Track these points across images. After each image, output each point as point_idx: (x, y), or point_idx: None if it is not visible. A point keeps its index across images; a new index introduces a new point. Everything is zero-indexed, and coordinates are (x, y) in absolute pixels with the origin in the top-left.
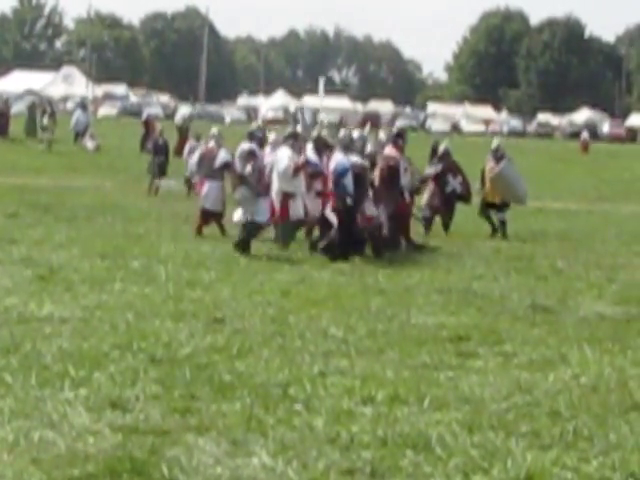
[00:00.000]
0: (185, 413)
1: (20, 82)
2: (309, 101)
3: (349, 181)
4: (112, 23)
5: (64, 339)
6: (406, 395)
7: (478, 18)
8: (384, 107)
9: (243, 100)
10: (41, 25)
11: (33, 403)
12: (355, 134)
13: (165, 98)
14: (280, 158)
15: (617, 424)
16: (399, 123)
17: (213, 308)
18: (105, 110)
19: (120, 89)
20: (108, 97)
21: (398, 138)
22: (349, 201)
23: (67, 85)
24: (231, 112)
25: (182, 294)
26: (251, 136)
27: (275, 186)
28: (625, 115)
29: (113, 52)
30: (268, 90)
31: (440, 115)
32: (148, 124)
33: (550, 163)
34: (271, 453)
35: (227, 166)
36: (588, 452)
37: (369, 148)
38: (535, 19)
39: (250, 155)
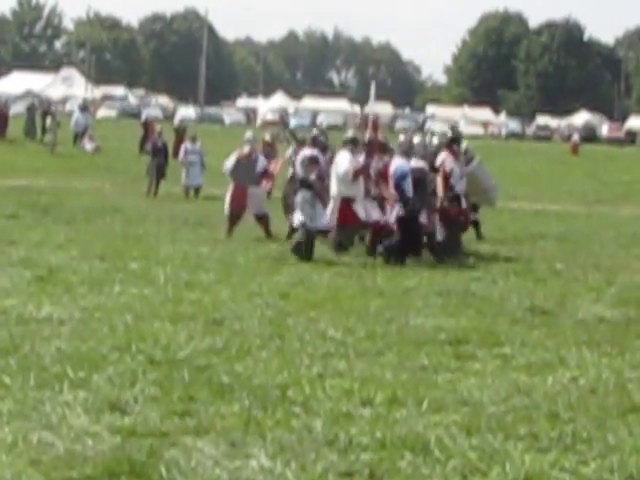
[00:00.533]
0: (184, 415)
1: (19, 83)
2: (308, 103)
3: (409, 185)
4: (111, 25)
5: (63, 340)
6: (404, 397)
7: (477, 20)
8: (383, 109)
9: (242, 102)
10: (40, 26)
11: (32, 404)
12: (416, 139)
13: (164, 100)
14: (340, 162)
15: (615, 426)
16: (399, 124)
17: (212, 310)
18: (104, 112)
19: (119, 90)
20: (107, 98)
21: (453, 143)
22: (409, 205)
23: (66, 86)
24: (230, 114)
25: (181, 296)
26: (314, 142)
27: (334, 190)
28: (624, 118)
29: (112, 53)
30: (267, 92)
31: (439, 117)
32: (147, 126)
33: (549, 165)
34: (269, 455)
35: (265, 173)
36: (586, 454)
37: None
38: (534, 22)
39: (313, 161)
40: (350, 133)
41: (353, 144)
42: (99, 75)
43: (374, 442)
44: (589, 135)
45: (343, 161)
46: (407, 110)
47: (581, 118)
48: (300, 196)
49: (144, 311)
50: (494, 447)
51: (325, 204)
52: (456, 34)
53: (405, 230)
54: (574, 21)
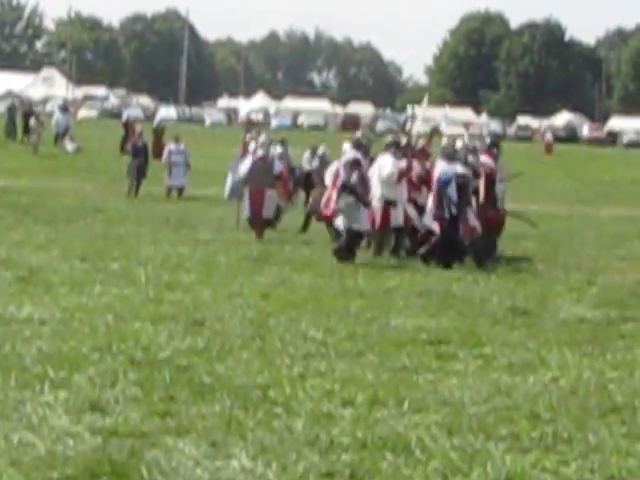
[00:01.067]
0: (164, 415)
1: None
2: (289, 103)
3: (452, 190)
4: (92, 25)
5: (44, 341)
6: (385, 398)
7: (458, 21)
8: (364, 109)
9: (223, 102)
10: (21, 27)
11: (12, 405)
12: (458, 143)
13: (145, 100)
14: (383, 165)
15: (596, 427)
16: (380, 124)
17: (193, 310)
18: (85, 112)
19: (100, 91)
20: (88, 99)
21: (493, 147)
22: (452, 210)
23: (47, 87)
24: (211, 114)
25: (162, 296)
26: (357, 145)
27: (377, 193)
28: (605, 118)
29: (93, 54)
30: (248, 92)
31: (420, 118)
32: (128, 126)
33: (530, 166)
34: (250, 455)
35: (280, 176)
36: (567, 455)
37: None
38: (515, 22)
39: (355, 164)
40: (391, 137)
41: (395, 147)
42: (80, 75)
43: (355, 442)
44: (570, 135)
45: (386, 164)
46: (388, 110)
47: (562, 118)
48: (343, 200)
49: (125, 311)
50: (475, 447)
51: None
52: (437, 35)
53: (447, 235)
54: (555, 21)
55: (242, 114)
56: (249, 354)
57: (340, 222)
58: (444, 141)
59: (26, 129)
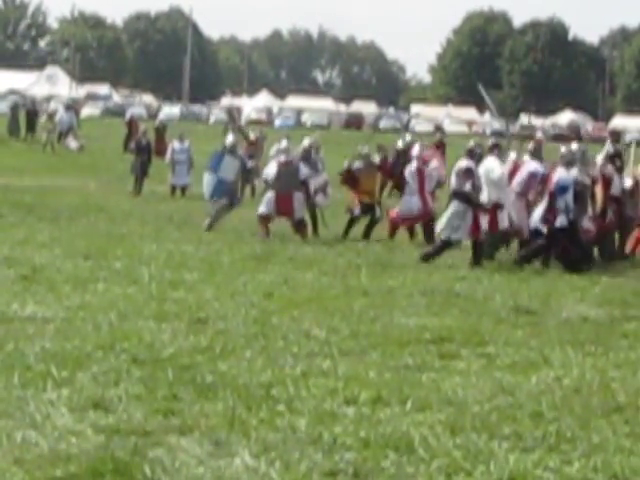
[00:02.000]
0: (168, 414)
1: (3, 82)
2: (292, 102)
3: (570, 198)
4: (95, 23)
5: (47, 339)
6: (389, 396)
7: (462, 20)
8: (367, 108)
9: (227, 100)
10: (24, 25)
11: (15, 403)
12: (574, 148)
13: (149, 98)
14: (490, 168)
15: (599, 426)
16: (383, 123)
17: (196, 309)
18: (88, 110)
19: (103, 89)
20: (91, 97)
21: (616, 158)
22: (570, 217)
23: (50, 85)
24: (215, 112)
25: (165, 295)
26: (470, 153)
27: (484, 197)
28: (608, 117)
29: (96, 52)
30: (251, 90)
31: (424, 116)
32: (131, 124)
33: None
34: (253, 454)
35: (305, 182)
36: (571, 454)
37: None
38: (518, 21)
39: (468, 172)
40: (493, 140)
41: (498, 149)
42: (83, 74)
43: (358, 441)
44: (573, 134)
45: (494, 167)
46: (391, 109)
47: (565, 117)
48: (452, 207)
49: (128, 310)
50: (478, 446)
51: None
52: (441, 33)
53: (569, 242)
54: (558, 20)
55: (246, 112)
56: (252, 353)
57: (440, 226)
58: (562, 148)
59: (29, 127)
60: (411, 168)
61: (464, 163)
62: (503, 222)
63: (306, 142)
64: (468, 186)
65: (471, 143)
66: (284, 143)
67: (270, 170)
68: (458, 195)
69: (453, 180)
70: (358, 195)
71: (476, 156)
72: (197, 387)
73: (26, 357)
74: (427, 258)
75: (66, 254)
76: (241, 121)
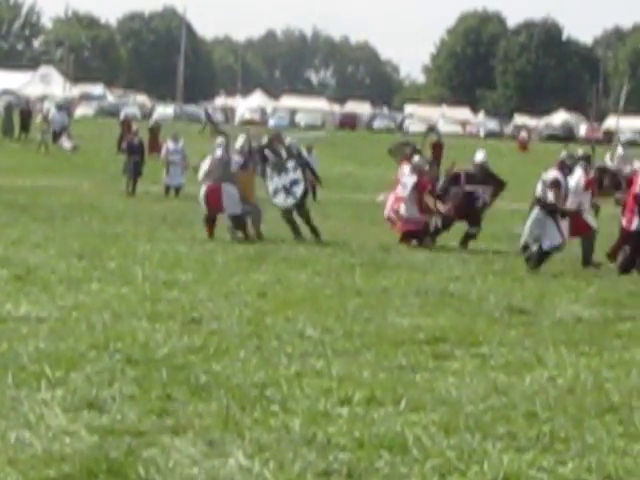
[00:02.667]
0: (162, 414)
1: None
2: (286, 102)
3: None
4: (89, 23)
5: (41, 339)
6: (383, 396)
7: (456, 20)
8: (361, 108)
9: (220, 101)
10: (18, 25)
11: (9, 404)
12: None
13: (142, 98)
14: (574, 177)
15: (593, 426)
16: (377, 123)
17: (190, 309)
18: (82, 110)
19: (97, 89)
20: (85, 97)
21: None
22: None
23: (44, 85)
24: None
25: (159, 295)
26: (562, 166)
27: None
28: (602, 118)
29: (90, 52)
30: (245, 91)
31: (417, 117)
32: (125, 124)
33: (526, 165)
34: (247, 454)
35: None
36: (564, 454)
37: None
38: (512, 21)
39: (555, 184)
40: (581, 151)
41: (586, 161)
42: (77, 73)
43: (352, 441)
44: (567, 135)
45: (574, 177)
46: (385, 109)
47: (559, 118)
48: (534, 214)
49: (122, 310)
50: (472, 446)
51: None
52: (434, 33)
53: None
54: (552, 21)
55: (239, 112)
56: (246, 353)
57: (524, 236)
58: None
59: (23, 127)
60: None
61: (553, 174)
62: (590, 223)
63: (240, 141)
64: (551, 196)
65: (563, 154)
66: (219, 139)
67: (204, 166)
68: (541, 204)
69: (539, 187)
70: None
71: (566, 169)
72: (191, 387)
73: (20, 357)
74: (534, 268)
75: (60, 254)
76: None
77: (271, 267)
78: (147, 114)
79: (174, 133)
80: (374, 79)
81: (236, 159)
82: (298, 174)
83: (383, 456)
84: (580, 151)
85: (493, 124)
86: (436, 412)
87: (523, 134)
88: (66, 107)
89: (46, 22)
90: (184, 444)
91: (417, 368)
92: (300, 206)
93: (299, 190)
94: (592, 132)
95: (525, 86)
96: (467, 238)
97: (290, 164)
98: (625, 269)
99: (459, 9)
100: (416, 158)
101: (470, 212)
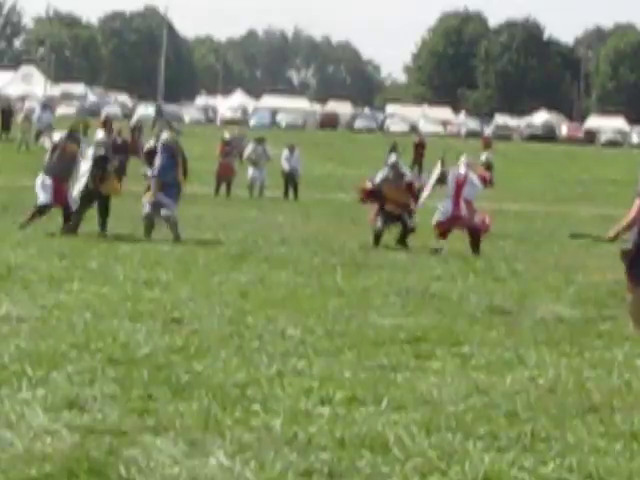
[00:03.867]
0: (143, 413)
1: None
2: (267, 101)
3: None
4: (71, 22)
5: (22, 339)
6: (364, 396)
7: (437, 20)
8: (343, 108)
9: (202, 100)
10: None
11: None
12: None
13: (124, 97)
14: None
15: (575, 426)
16: (358, 123)
17: (171, 308)
18: (63, 109)
19: (78, 88)
20: (66, 96)
21: None
22: None
23: (26, 84)
24: (190, 112)
25: (140, 294)
26: None
27: None
28: (583, 117)
29: (72, 51)
30: (227, 90)
31: (399, 116)
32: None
33: (508, 165)
34: (229, 453)
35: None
36: (545, 454)
37: None
38: (494, 21)
39: None
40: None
41: None
42: (58, 73)
43: (333, 441)
44: (548, 134)
45: None
46: (367, 109)
47: (540, 117)
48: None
49: (103, 309)
50: (453, 446)
51: None
52: (416, 33)
53: None
54: (534, 20)
55: (221, 112)
56: (227, 352)
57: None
58: None
59: (4, 126)
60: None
61: None
62: None
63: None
64: None
65: None
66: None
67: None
68: None
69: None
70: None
71: None
72: (172, 387)
73: (1, 356)
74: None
75: (41, 253)
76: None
77: (252, 267)
78: (128, 114)
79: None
80: (355, 79)
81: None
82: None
83: (364, 456)
84: None
85: (474, 124)
86: (417, 412)
87: (488, 132)
88: (50, 106)
89: (27, 21)
90: (165, 444)
91: (398, 368)
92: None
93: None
94: (574, 132)
95: (506, 86)
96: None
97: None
98: None
99: (440, 9)
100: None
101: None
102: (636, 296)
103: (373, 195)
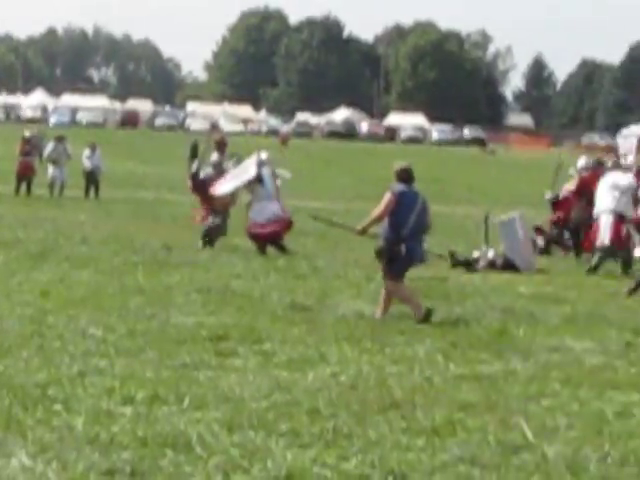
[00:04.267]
0: None
1: None
2: (68, 100)
3: None
4: None
5: None
6: (166, 395)
7: (237, 17)
8: (143, 106)
9: (1, 99)
10: None
11: None
12: None
13: None
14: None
15: (376, 422)
16: (158, 121)
17: None
18: None
19: None
20: None
21: None
22: None
23: None
24: None
25: None
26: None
27: None
28: (384, 114)
29: None
30: (26, 89)
31: (199, 114)
32: None
33: (309, 162)
34: (30, 454)
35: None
36: (348, 450)
37: None
38: (294, 19)
39: None
40: None
41: None
42: None
43: (135, 440)
44: (349, 131)
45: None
46: (167, 107)
47: (341, 115)
48: None
49: None
50: (256, 444)
51: None
52: (216, 31)
53: None
54: (334, 18)
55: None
56: (28, 352)
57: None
58: None
59: None
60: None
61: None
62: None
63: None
64: None
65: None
66: None
67: None
68: None
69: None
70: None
71: None
72: None
73: None
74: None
75: None
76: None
77: (53, 266)
78: None
79: None
80: (156, 77)
81: None
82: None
83: (167, 454)
84: None
85: (275, 122)
86: (219, 410)
87: (284, 129)
88: None
89: None
90: None
91: (200, 366)
92: None
93: None
94: (374, 129)
95: (307, 83)
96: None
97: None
98: None
99: (240, 6)
100: None
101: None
102: (398, 287)
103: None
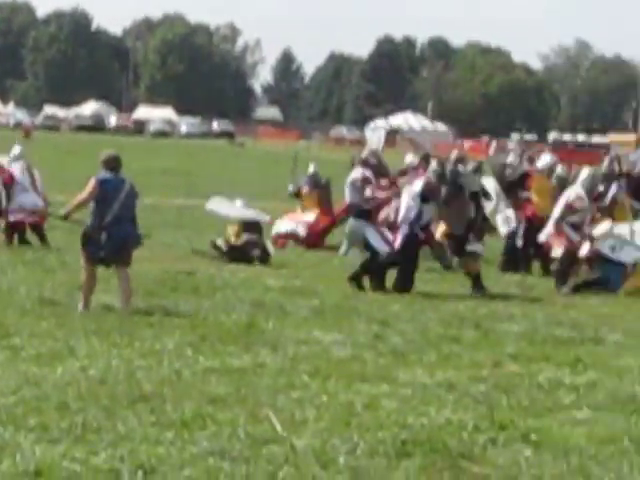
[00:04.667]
0: None
1: None
2: None
3: None
4: None
5: None
6: None
7: None
8: None
9: None
10: None
11: None
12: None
13: None
14: None
15: (125, 416)
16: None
17: None
18: None
19: None
20: None
21: None
22: None
23: None
24: None
25: None
26: None
27: None
28: (132, 107)
29: None
30: None
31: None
32: None
33: (58, 155)
34: None
35: None
36: (97, 444)
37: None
38: (42, 11)
39: None
40: None
41: None
42: None
43: None
44: (97, 124)
45: None
46: None
47: (89, 108)
48: None
49: None
50: (4, 439)
51: None
52: None
53: None
54: (82, 11)
55: None
56: None
57: None
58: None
59: None
60: None
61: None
62: None
63: None
64: None
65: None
66: None
67: None
68: None
69: None
70: None
71: None
72: None
73: None
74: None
75: None
76: None
77: None
78: None
79: None
80: None
81: None
82: None
83: None
84: None
85: (22, 115)
86: None
87: (26, 121)
88: None
89: None
90: None
91: None
92: None
93: None
94: (123, 122)
95: (55, 76)
96: None
97: None
98: None
99: None
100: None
101: None
102: (86, 272)
103: None
